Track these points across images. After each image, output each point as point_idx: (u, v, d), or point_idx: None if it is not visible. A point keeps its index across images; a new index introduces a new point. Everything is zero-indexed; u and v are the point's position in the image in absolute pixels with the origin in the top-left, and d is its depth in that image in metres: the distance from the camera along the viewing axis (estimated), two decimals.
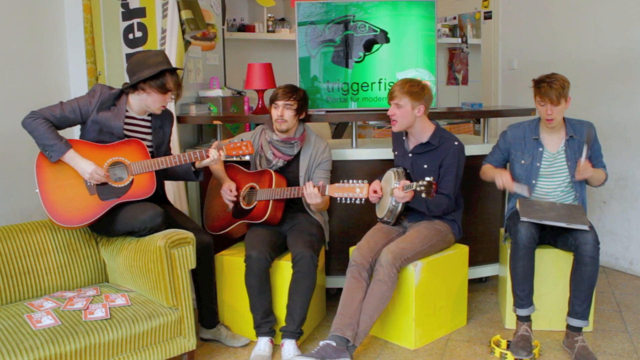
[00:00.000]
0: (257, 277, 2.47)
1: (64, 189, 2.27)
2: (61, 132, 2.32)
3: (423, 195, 2.32)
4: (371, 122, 4.54)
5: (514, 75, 4.31)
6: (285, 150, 2.67)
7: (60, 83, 3.02)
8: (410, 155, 2.66)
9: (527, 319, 2.53)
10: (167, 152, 2.56)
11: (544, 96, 2.48)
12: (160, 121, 2.50)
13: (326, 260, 2.97)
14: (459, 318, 2.79)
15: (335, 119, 3.77)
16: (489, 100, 4.61)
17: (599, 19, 3.57)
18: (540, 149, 2.63)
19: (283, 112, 2.58)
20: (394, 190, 2.45)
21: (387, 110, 2.62)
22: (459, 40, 5.61)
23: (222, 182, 2.73)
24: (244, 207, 2.68)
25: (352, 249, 2.61)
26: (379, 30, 3.18)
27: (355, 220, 2.99)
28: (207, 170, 2.65)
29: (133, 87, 2.33)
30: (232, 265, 2.62)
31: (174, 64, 2.79)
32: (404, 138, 2.68)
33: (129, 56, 2.99)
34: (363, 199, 2.39)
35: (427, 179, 2.31)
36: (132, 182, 2.33)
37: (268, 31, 4.69)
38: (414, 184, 2.35)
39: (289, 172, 2.71)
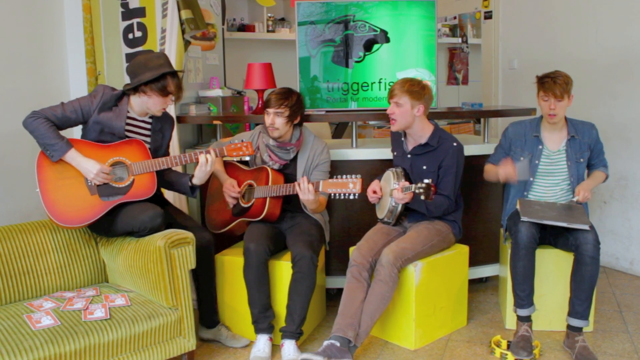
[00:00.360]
0: (255, 270, 2.46)
1: (65, 188, 2.27)
2: (62, 132, 2.31)
3: (422, 197, 2.31)
4: (371, 122, 4.54)
5: (514, 75, 4.31)
6: (281, 155, 2.66)
7: (59, 83, 3.02)
8: (409, 156, 2.65)
9: (527, 319, 2.53)
10: (166, 156, 2.55)
11: (548, 91, 2.49)
12: (161, 124, 2.49)
13: (326, 261, 2.97)
14: (459, 318, 2.78)
15: (335, 119, 3.77)
16: (489, 100, 4.60)
17: (600, 18, 3.56)
18: (540, 147, 2.63)
19: (274, 120, 2.55)
20: (393, 192, 2.45)
21: (386, 110, 2.61)
22: (459, 40, 5.61)
23: (223, 181, 2.72)
24: (242, 204, 2.68)
25: (352, 249, 2.61)
26: (379, 30, 3.18)
27: (355, 220, 2.98)
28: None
29: (134, 89, 2.33)
30: (232, 266, 2.62)
31: (173, 64, 2.78)
32: (402, 139, 2.68)
33: (128, 56, 2.99)
34: (357, 194, 2.33)
35: (426, 181, 2.30)
36: (132, 182, 2.33)
37: (268, 31, 4.69)
38: (413, 186, 2.34)
39: (287, 174, 2.70)
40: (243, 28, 4.61)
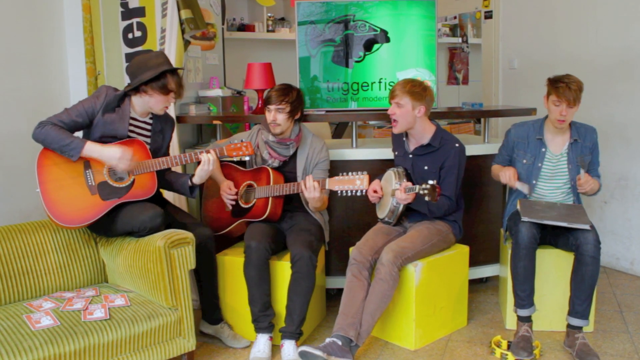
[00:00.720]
0: (256, 268, 2.46)
1: (65, 188, 2.26)
2: None
3: (426, 198, 2.31)
4: (371, 122, 4.53)
5: (515, 75, 4.30)
6: (281, 151, 2.67)
7: (59, 83, 3.02)
8: (410, 156, 2.65)
9: (527, 320, 2.53)
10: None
11: (562, 96, 2.46)
12: (161, 125, 2.49)
13: (326, 261, 2.96)
14: (460, 318, 2.78)
15: (335, 119, 3.76)
16: (490, 100, 4.60)
17: (600, 18, 3.56)
18: (543, 150, 2.62)
19: (276, 116, 2.57)
20: (395, 192, 2.45)
21: (387, 109, 2.61)
22: (460, 39, 5.60)
23: (220, 182, 2.72)
24: (242, 205, 2.68)
25: (352, 249, 2.61)
26: (379, 29, 3.17)
27: (355, 220, 2.98)
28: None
29: (135, 89, 2.33)
30: (232, 266, 2.62)
31: (173, 64, 2.78)
32: (404, 139, 2.68)
33: (128, 56, 2.99)
34: (364, 191, 2.38)
35: (430, 182, 2.31)
36: (133, 182, 2.33)
37: (268, 31, 4.68)
38: (417, 186, 2.35)
39: (287, 172, 2.70)
40: (243, 28, 4.60)
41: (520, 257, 2.47)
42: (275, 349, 2.53)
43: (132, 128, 2.40)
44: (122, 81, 3.00)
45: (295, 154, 2.70)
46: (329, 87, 3.20)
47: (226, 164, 2.80)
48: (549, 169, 2.62)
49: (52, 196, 2.24)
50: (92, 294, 2.27)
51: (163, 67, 2.31)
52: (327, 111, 3.16)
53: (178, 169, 2.84)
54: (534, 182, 2.63)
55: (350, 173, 2.39)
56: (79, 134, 2.40)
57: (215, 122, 3.11)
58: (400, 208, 2.55)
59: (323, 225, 2.75)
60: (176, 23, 2.86)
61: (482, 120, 3.31)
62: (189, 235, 2.25)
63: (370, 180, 2.39)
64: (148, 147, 2.42)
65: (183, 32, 2.90)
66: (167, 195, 2.75)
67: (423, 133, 2.60)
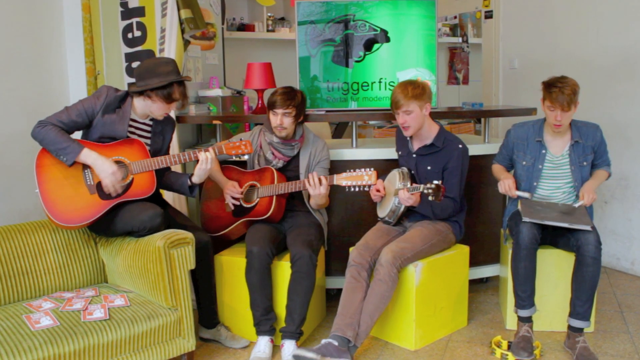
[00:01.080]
0: (258, 273, 2.46)
1: (64, 188, 2.26)
2: None
3: (430, 198, 2.31)
4: (371, 122, 4.52)
5: (515, 75, 4.30)
6: (285, 152, 2.67)
7: (59, 82, 3.01)
8: (414, 156, 2.65)
9: (528, 320, 2.52)
10: None
11: (555, 102, 2.43)
12: (162, 126, 2.49)
13: (326, 261, 2.96)
14: (460, 319, 2.78)
15: (336, 119, 3.76)
16: (490, 100, 4.59)
17: (600, 18, 3.55)
18: (543, 151, 2.61)
19: (282, 121, 2.58)
20: (399, 192, 2.45)
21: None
22: (460, 39, 5.60)
23: (223, 184, 2.71)
24: (244, 205, 2.67)
25: (352, 249, 2.60)
26: (379, 29, 3.17)
27: (355, 220, 2.98)
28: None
29: (139, 92, 2.33)
30: (231, 266, 2.61)
31: None
32: (408, 139, 2.68)
33: (128, 55, 2.98)
34: (372, 186, 2.45)
35: (435, 182, 2.31)
36: (132, 181, 2.33)
37: (268, 30, 4.68)
38: (422, 186, 2.35)
39: (289, 172, 2.70)
40: (243, 27, 4.60)
41: (520, 258, 2.47)
42: (275, 349, 2.53)
43: (132, 129, 2.40)
44: (122, 81, 3.00)
45: (297, 153, 2.70)
46: (329, 87, 3.19)
47: (228, 166, 2.81)
48: (550, 170, 2.61)
49: (51, 196, 2.24)
50: (92, 294, 2.26)
51: (171, 76, 2.31)
52: (327, 111, 3.16)
53: (178, 168, 2.84)
54: (535, 183, 2.62)
55: (357, 169, 2.44)
56: (78, 133, 2.40)
57: (215, 122, 3.11)
58: (402, 208, 2.54)
59: (322, 226, 2.75)
60: (176, 23, 2.86)
61: (483, 120, 3.31)
62: (188, 235, 2.25)
63: (378, 176, 2.41)
64: (148, 148, 2.42)
65: (183, 31, 2.90)
66: (167, 197, 2.75)
67: (428, 132, 2.60)
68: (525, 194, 2.54)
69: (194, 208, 3.21)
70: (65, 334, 1.94)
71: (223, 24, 3.97)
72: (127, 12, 2.97)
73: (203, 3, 3.31)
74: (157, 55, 2.92)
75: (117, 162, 2.32)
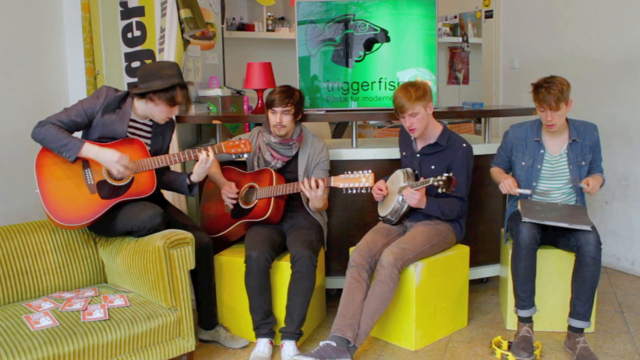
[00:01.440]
0: (257, 278, 2.46)
1: (64, 188, 2.26)
2: None
3: (440, 190, 2.31)
4: (371, 122, 4.52)
5: (515, 75, 4.29)
6: (283, 152, 2.67)
7: (58, 82, 3.01)
8: (418, 155, 2.65)
9: (528, 320, 2.52)
10: None
11: (543, 102, 2.43)
12: (161, 127, 2.49)
13: (326, 261, 2.96)
14: (460, 319, 2.77)
15: (335, 119, 3.76)
16: (490, 100, 4.59)
17: (601, 17, 3.55)
18: (542, 151, 2.61)
19: (281, 119, 2.58)
20: (403, 189, 2.45)
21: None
22: (460, 39, 5.60)
23: (221, 185, 2.71)
24: (243, 206, 2.67)
25: (352, 250, 2.60)
26: (379, 29, 3.16)
27: (355, 221, 2.97)
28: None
29: (142, 94, 2.32)
30: (231, 266, 2.61)
31: None
32: (412, 139, 2.67)
33: (127, 55, 2.98)
34: (369, 189, 2.41)
35: (446, 174, 2.31)
36: (132, 180, 2.32)
37: (267, 30, 4.68)
38: (431, 179, 2.35)
39: (288, 173, 2.70)
40: (242, 27, 4.59)
41: (520, 258, 2.47)
42: (275, 349, 2.52)
43: (131, 130, 2.40)
44: (122, 81, 2.99)
45: (296, 154, 2.70)
46: (329, 86, 3.19)
47: (228, 167, 2.81)
48: (549, 170, 2.61)
49: (51, 196, 2.23)
50: (92, 294, 2.26)
51: (174, 79, 2.30)
52: (327, 111, 3.15)
53: (177, 168, 2.84)
54: (534, 183, 2.62)
55: (355, 171, 2.42)
56: (78, 134, 2.40)
57: (214, 122, 3.10)
58: (405, 208, 2.54)
59: (323, 226, 2.74)
60: (175, 22, 2.85)
61: (483, 120, 3.31)
62: (188, 235, 2.24)
63: (376, 178, 2.40)
64: (148, 149, 2.42)
65: (182, 31, 2.89)
66: (167, 196, 2.74)
67: (432, 131, 2.61)
68: (527, 191, 2.54)
69: (193, 208, 3.21)
70: (65, 334, 1.94)
71: (223, 23, 3.96)
72: (127, 12, 2.97)
73: (203, 3, 3.31)
74: (157, 54, 2.92)
75: None
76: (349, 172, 2.43)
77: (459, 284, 2.73)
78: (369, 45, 3.18)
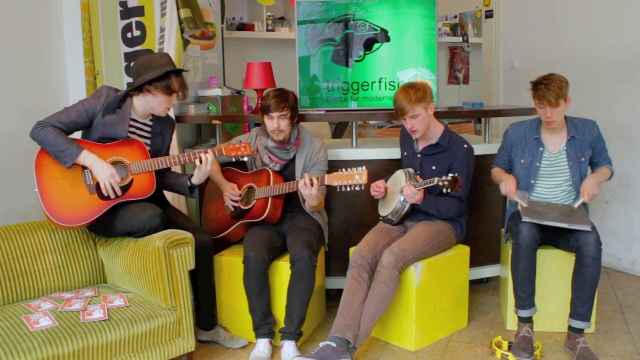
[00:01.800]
0: (255, 278, 2.46)
1: (64, 188, 2.25)
2: None
3: (446, 190, 2.30)
4: (371, 122, 4.52)
5: (515, 75, 4.29)
6: (281, 156, 2.66)
7: (58, 82, 3.01)
8: (419, 156, 2.65)
9: (528, 320, 2.52)
10: None
11: (542, 99, 2.45)
12: (161, 127, 2.49)
13: (326, 261, 2.95)
14: (460, 319, 2.77)
15: (335, 119, 3.75)
16: (490, 100, 4.59)
17: (601, 17, 3.54)
18: (541, 149, 2.61)
19: (279, 124, 2.56)
20: (404, 188, 2.44)
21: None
22: (460, 39, 5.59)
23: (222, 186, 2.71)
24: (242, 207, 2.67)
25: (352, 250, 2.60)
26: (379, 29, 3.16)
27: (355, 221, 2.97)
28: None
29: (138, 88, 2.32)
30: (231, 266, 2.61)
31: None
32: (413, 139, 2.67)
33: (127, 55, 2.98)
34: (363, 186, 2.39)
35: (451, 174, 2.31)
36: (131, 181, 2.32)
37: (267, 30, 4.67)
38: (436, 179, 2.34)
39: (286, 174, 2.69)
40: (242, 27, 4.59)
41: (520, 258, 2.46)
42: (275, 349, 2.52)
43: (132, 130, 2.39)
44: (121, 80, 2.99)
45: (294, 157, 2.69)
46: (329, 86, 3.19)
47: (227, 168, 2.81)
48: (547, 167, 2.61)
49: (50, 196, 2.23)
50: (91, 294, 2.26)
51: (167, 67, 2.30)
52: (327, 111, 3.15)
53: (178, 169, 2.84)
54: (533, 181, 2.62)
55: (349, 168, 2.40)
56: (78, 133, 2.39)
57: (214, 121, 3.10)
58: (406, 208, 2.54)
59: (322, 226, 2.74)
60: (175, 22, 2.85)
61: (483, 120, 3.30)
62: (188, 235, 2.24)
63: (370, 175, 2.40)
64: (148, 148, 2.41)
65: (182, 31, 2.89)
66: (167, 197, 2.74)
67: (433, 131, 2.61)
68: (523, 203, 2.52)
69: (193, 209, 3.21)
70: (65, 335, 1.94)
71: (222, 23, 3.96)
72: (127, 12, 2.96)
73: (202, 2, 3.30)
74: None
75: (117, 163, 2.31)
76: (343, 170, 2.41)
77: (459, 284, 2.73)
78: (369, 45, 3.18)
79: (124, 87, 2.95)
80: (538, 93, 2.46)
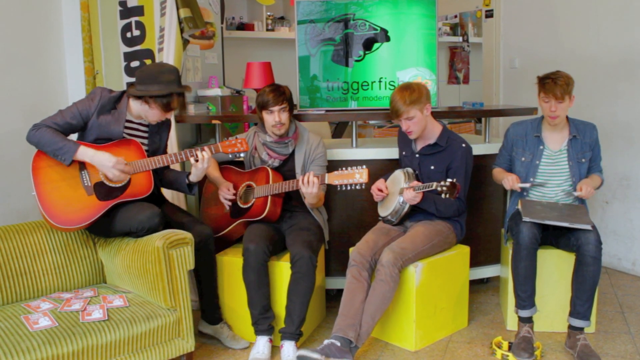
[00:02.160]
0: (255, 271, 2.45)
1: (61, 190, 2.25)
2: None
3: (444, 195, 2.31)
4: (371, 122, 4.52)
5: (516, 74, 4.29)
6: (280, 150, 2.66)
7: (57, 82, 3.00)
8: (417, 156, 2.65)
9: (529, 320, 2.51)
10: None
11: (548, 92, 2.47)
12: (157, 127, 2.48)
13: (326, 261, 2.95)
14: (460, 319, 2.77)
15: (335, 119, 3.75)
16: (490, 100, 4.58)
17: (602, 17, 3.54)
18: (541, 147, 2.62)
19: (280, 117, 2.57)
20: (404, 191, 2.44)
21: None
22: (460, 38, 5.60)
23: (219, 184, 2.71)
24: (241, 206, 2.67)
25: (352, 250, 2.59)
26: (379, 28, 3.16)
27: (355, 220, 2.97)
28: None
29: (138, 96, 2.31)
30: (231, 266, 2.60)
31: (172, 63, 2.77)
32: (412, 139, 2.67)
33: (126, 55, 2.97)
34: (363, 184, 2.39)
35: (450, 179, 2.31)
36: (129, 181, 2.31)
37: (267, 30, 4.67)
38: (435, 183, 2.34)
39: (286, 171, 2.69)
40: (242, 27, 4.59)
41: (521, 258, 2.46)
42: (275, 349, 2.52)
43: (128, 130, 2.39)
44: (121, 80, 2.99)
45: (292, 152, 2.69)
46: (329, 86, 3.18)
47: (226, 167, 2.80)
48: (548, 166, 2.61)
49: (48, 198, 2.22)
50: (91, 294, 2.25)
51: (172, 86, 2.29)
52: (326, 111, 3.15)
53: (177, 166, 2.83)
54: (532, 179, 2.62)
55: (349, 167, 2.40)
56: (74, 136, 2.39)
57: (214, 121, 3.10)
58: (406, 208, 2.54)
59: (322, 225, 2.74)
60: (175, 22, 2.85)
61: (483, 119, 3.30)
62: (187, 235, 2.24)
63: (370, 175, 2.40)
64: (145, 148, 2.41)
65: (182, 31, 2.89)
66: (166, 194, 2.74)
67: (431, 132, 2.61)
68: (526, 184, 2.55)
69: (192, 205, 3.20)
70: (64, 335, 1.93)
71: (222, 23, 3.95)
72: (126, 11, 2.96)
73: (202, 2, 3.30)
74: (156, 54, 2.91)
75: None
76: (344, 169, 2.42)
77: (459, 284, 2.72)
78: (368, 44, 3.17)
79: (123, 87, 2.94)
80: (545, 87, 2.48)
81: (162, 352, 2.15)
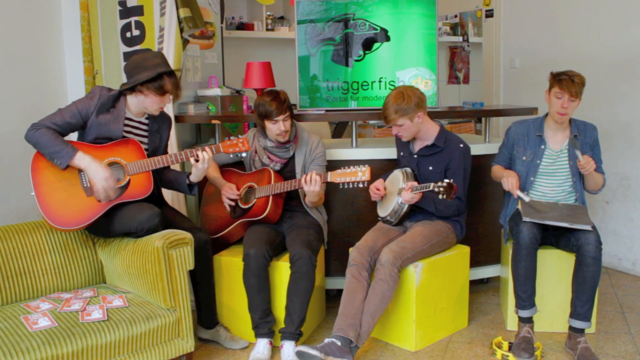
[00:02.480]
0: (255, 276, 2.45)
1: (61, 191, 2.24)
2: None
3: (441, 196, 2.31)
4: (371, 122, 4.51)
5: (516, 74, 4.28)
6: (281, 155, 2.66)
7: (57, 82, 3.00)
8: (415, 156, 2.65)
9: (529, 321, 2.51)
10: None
11: (564, 88, 2.47)
12: (158, 125, 2.48)
13: (326, 261, 2.95)
14: (460, 319, 2.76)
15: (335, 118, 3.75)
16: (491, 100, 4.58)
17: (602, 16, 3.54)
18: (543, 146, 2.62)
19: (285, 126, 2.57)
20: (402, 191, 2.44)
21: (392, 131, 2.62)
22: (460, 38, 5.59)
23: (220, 185, 2.71)
24: (242, 206, 2.66)
25: (351, 250, 2.59)
26: (379, 28, 3.15)
27: (355, 220, 2.96)
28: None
29: (131, 88, 2.31)
30: (230, 266, 2.60)
31: (172, 63, 2.77)
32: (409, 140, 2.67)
33: (126, 55, 2.97)
34: (365, 183, 2.41)
35: (447, 180, 2.31)
36: (129, 182, 2.31)
37: (267, 29, 4.66)
38: (432, 184, 2.34)
39: (286, 172, 2.69)
40: (242, 26, 4.58)
41: (521, 258, 2.46)
42: (275, 350, 2.52)
43: (127, 129, 2.38)
44: (121, 80, 2.98)
45: (293, 155, 2.69)
46: (329, 86, 3.18)
47: (227, 169, 2.80)
48: (548, 165, 2.61)
49: (47, 199, 2.22)
50: (90, 294, 2.25)
51: (160, 68, 2.29)
52: (326, 110, 3.14)
53: (177, 167, 2.83)
54: (532, 178, 2.62)
55: (352, 166, 2.42)
56: (74, 136, 2.39)
57: (214, 121, 3.09)
58: (405, 208, 2.53)
59: (322, 225, 2.73)
60: (175, 22, 2.84)
61: (483, 119, 3.30)
62: (187, 235, 2.23)
63: (372, 174, 2.40)
64: (145, 146, 2.40)
65: (182, 30, 2.88)
66: (165, 194, 2.73)
67: (427, 133, 2.61)
68: (526, 198, 2.52)
69: (192, 208, 3.20)
70: (64, 335, 1.93)
71: (222, 23, 3.95)
72: (126, 11, 2.96)
73: (202, 2, 3.29)
74: None
75: (114, 163, 2.30)
76: (346, 167, 2.43)
77: (460, 284, 2.72)
78: (368, 44, 3.17)
79: None
80: (562, 83, 2.48)
81: (162, 352, 2.15)
